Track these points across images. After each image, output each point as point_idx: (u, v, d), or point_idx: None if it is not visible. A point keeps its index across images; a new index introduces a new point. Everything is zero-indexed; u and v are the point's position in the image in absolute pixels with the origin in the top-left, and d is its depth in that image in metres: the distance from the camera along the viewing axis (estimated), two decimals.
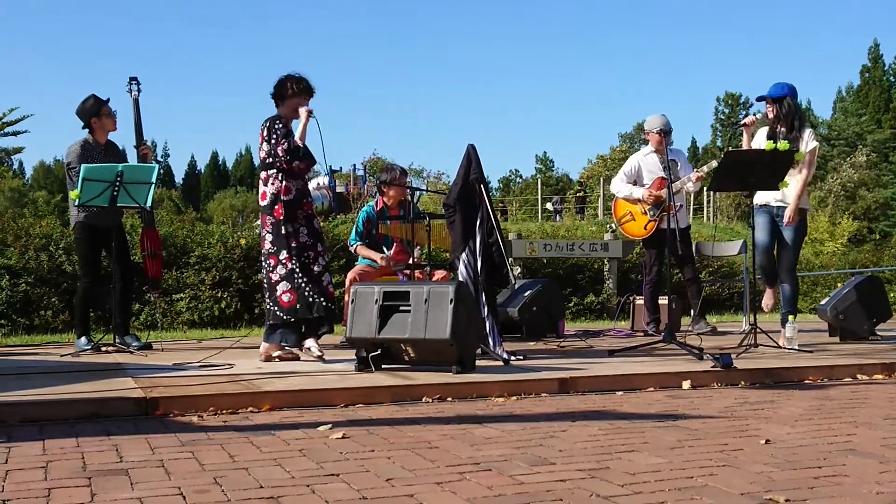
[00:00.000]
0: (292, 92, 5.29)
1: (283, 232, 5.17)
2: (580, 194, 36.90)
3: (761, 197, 6.16)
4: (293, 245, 5.15)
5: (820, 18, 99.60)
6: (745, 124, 6.21)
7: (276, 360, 5.20)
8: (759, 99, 6.14)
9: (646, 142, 7.64)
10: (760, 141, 6.16)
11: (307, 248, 5.19)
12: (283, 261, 5.16)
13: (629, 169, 7.49)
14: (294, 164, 5.16)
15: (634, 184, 7.42)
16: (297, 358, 5.23)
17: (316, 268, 5.19)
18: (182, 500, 2.29)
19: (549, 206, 31.62)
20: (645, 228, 7.36)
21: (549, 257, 11.09)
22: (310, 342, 5.22)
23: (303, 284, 5.14)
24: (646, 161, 7.42)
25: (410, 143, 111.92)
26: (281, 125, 5.19)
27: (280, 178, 5.20)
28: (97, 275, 6.36)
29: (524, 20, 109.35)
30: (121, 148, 6.46)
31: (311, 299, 5.13)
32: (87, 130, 6.21)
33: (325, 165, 5.74)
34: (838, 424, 3.46)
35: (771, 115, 6.14)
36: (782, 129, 6.08)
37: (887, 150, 48.29)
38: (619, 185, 7.52)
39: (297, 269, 5.14)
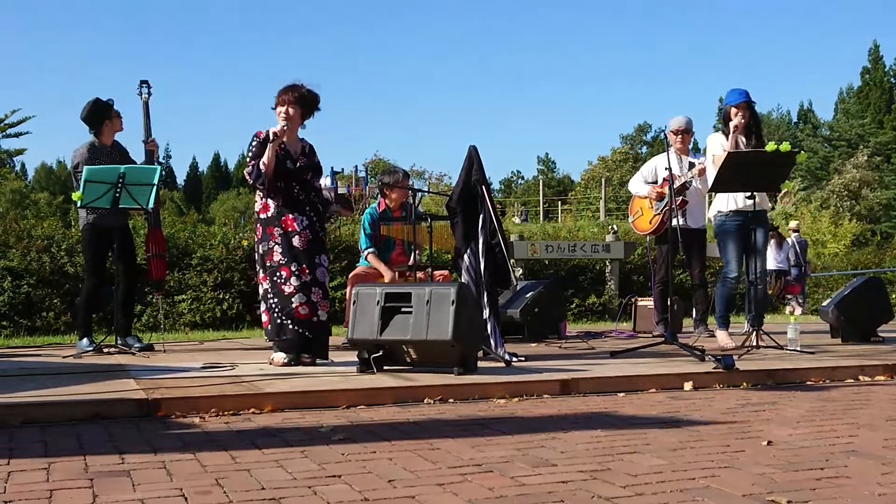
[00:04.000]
0: (279, 99, 5.13)
1: (259, 251, 5.15)
2: (546, 205, 37.60)
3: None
4: (267, 264, 5.09)
5: (819, 19, 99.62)
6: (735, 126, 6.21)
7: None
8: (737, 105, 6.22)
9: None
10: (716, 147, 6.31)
11: (280, 267, 5.03)
12: (262, 279, 5.15)
13: (647, 170, 7.51)
14: (259, 186, 5.07)
15: (653, 184, 7.42)
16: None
17: (287, 288, 4.99)
18: (184, 502, 2.29)
19: (515, 219, 32.11)
20: (650, 223, 7.35)
21: (550, 258, 11.10)
22: (276, 355, 5.11)
23: (273, 306, 5.05)
24: (663, 161, 7.40)
25: (412, 144, 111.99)
26: (257, 139, 5.07)
27: (261, 195, 5.16)
28: (103, 276, 6.37)
29: (525, 22, 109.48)
30: (124, 147, 6.47)
31: (279, 321, 5.03)
32: (93, 134, 6.24)
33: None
34: (840, 426, 3.46)
35: (744, 121, 6.18)
36: (743, 137, 6.23)
37: (889, 151, 48.25)
38: (634, 184, 7.56)
39: (270, 290, 5.06)
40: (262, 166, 5.00)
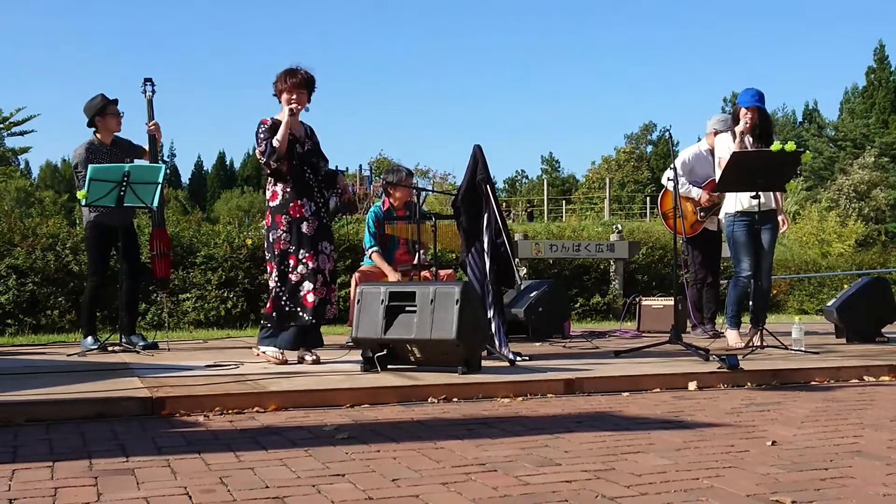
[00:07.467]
0: (282, 86, 5.16)
1: (270, 239, 5.17)
2: (529, 209, 37.92)
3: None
4: (276, 252, 5.12)
5: (825, 19, 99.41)
6: (741, 132, 6.19)
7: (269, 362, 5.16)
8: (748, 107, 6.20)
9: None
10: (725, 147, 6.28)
11: (287, 255, 5.08)
12: (270, 267, 5.19)
13: (682, 162, 7.38)
14: (272, 164, 5.07)
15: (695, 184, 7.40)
16: (284, 362, 5.09)
17: (294, 276, 5.04)
18: (188, 500, 2.29)
19: (510, 220, 32.28)
20: (692, 228, 7.36)
21: (554, 258, 11.09)
22: (302, 352, 5.18)
23: (279, 293, 5.09)
24: (699, 158, 7.38)
25: (417, 143, 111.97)
26: (264, 126, 5.10)
27: (272, 182, 5.19)
28: (105, 274, 6.38)
29: (530, 20, 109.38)
30: (128, 140, 6.44)
31: (286, 309, 5.07)
32: (92, 130, 6.24)
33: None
34: (845, 426, 3.45)
35: (749, 123, 6.16)
36: (749, 137, 6.20)
37: (895, 151, 48.12)
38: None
39: (276, 278, 5.11)
40: (275, 142, 5.04)
